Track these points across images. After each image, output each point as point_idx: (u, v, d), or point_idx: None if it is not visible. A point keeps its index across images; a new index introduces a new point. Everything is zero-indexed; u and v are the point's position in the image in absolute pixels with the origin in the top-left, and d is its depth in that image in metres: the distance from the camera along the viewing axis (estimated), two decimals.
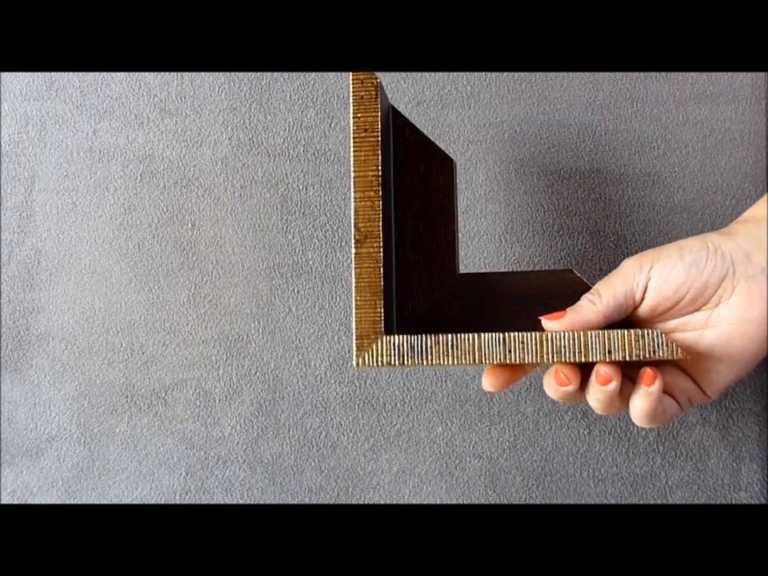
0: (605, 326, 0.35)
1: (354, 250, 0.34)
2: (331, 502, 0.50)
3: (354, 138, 0.35)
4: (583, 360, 0.34)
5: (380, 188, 0.34)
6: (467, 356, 0.34)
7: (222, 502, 0.51)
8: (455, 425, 0.49)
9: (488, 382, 0.37)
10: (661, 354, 0.34)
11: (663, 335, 0.34)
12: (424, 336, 0.34)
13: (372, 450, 0.50)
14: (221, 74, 0.48)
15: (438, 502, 0.50)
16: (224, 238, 0.49)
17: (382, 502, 0.50)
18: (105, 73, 0.49)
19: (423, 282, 0.38)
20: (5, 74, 0.49)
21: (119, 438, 0.51)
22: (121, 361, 0.50)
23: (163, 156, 0.49)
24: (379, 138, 0.35)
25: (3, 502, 0.52)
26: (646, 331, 0.34)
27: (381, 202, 0.34)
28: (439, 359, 0.34)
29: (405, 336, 0.34)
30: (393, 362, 0.34)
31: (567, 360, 0.34)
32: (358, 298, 0.34)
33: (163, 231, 0.50)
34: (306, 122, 0.48)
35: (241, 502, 0.51)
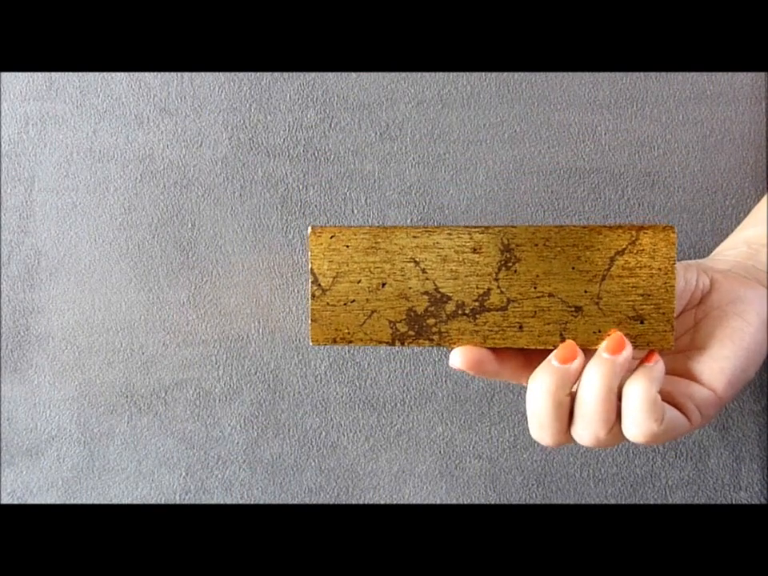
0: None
1: None
2: (331, 502, 0.50)
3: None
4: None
5: None
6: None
7: (221, 502, 0.51)
8: (455, 425, 0.49)
9: (459, 354, 0.34)
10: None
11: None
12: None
13: (372, 450, 0.50)
14: (221, 74, 0.48)
15: (438, 502, 0.50)
16: (224, 238, 0.49)
17: (382, 502, 0.50)
18: (105, 73, 0.49)
19: None
20: (5, 74, 0.49)
21: (119, 438, 0.51)
22: (121, 361, 0.50)
23: (163, 156, 0.49)
24: None
25: (3, 502, 0.52)
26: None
27: None
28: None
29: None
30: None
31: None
32: None
33: (163, 231, 0.50)
34: (306, 121, 0.48)
35: (241, 502, 0.51)
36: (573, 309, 0.33)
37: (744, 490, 0.48)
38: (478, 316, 0.34)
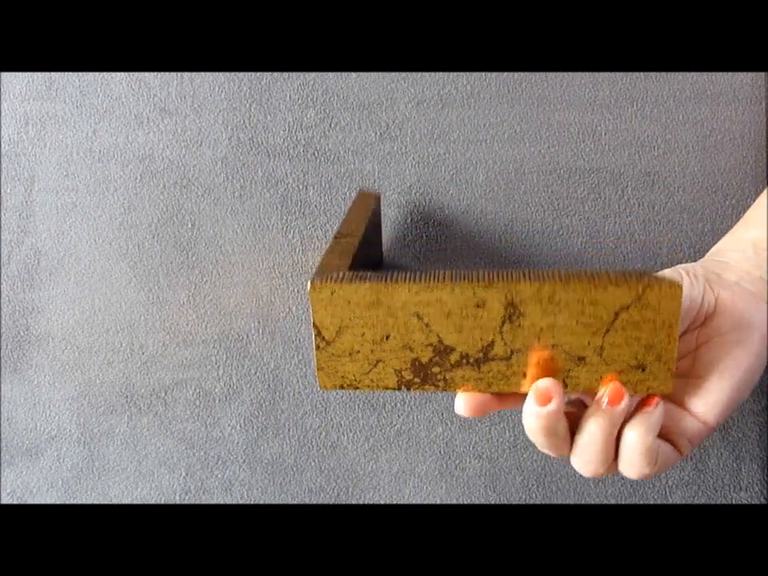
0: None
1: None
2: (331, 502, 0.50)
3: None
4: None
5: None
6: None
7: (221, 502, 0.51)
8: (455, 425, 0.49)
9: (463, 403, 0.34)
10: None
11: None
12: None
13: (372, 450, 0.50)
14: (221, 73, 0.48)
15: (438, 502, 0.50)
16: (224, 238, 0.49)
17: (382, 502, 0.50)
18: (105, 73, 0.49)
19: None
20: (5, 74, 0.49)
21: (119, 438, 0.51)
22: (121, 361, 0.50)
23: (163, 156, 0.49)
24: None
25: (3, 502, 0.52)
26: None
27: None
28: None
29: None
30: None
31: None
32: None
33: (163, 231, 0.50)
34: (306, 121, 0.48)
35: (241, 502, 0.51)
36: (576, 359, 0.33)
37: (744, 490, 0.48)
38: (482, 365, 0.34)
